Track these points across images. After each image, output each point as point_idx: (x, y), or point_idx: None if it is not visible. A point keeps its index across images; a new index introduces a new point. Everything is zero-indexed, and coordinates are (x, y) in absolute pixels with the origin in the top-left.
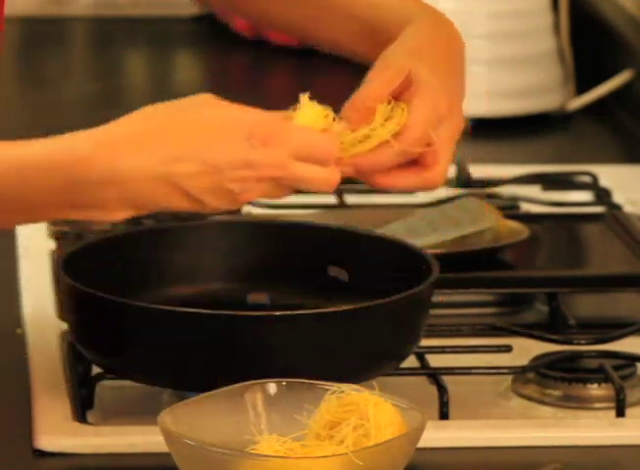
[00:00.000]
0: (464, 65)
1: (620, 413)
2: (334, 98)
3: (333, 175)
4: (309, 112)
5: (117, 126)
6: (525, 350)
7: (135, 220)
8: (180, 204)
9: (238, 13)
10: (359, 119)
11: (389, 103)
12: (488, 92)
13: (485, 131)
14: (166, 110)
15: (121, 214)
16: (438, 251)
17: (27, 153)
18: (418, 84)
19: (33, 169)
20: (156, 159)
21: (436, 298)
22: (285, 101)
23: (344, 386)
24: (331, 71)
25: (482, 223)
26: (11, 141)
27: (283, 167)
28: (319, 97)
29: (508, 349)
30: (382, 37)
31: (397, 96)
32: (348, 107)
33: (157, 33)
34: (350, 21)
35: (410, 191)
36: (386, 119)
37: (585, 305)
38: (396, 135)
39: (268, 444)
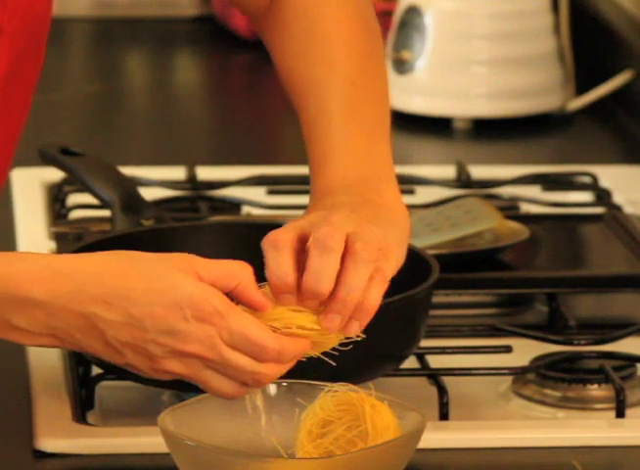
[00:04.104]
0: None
1: (620, 414)
2: None
3: (266, 373)
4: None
5: (77, 258)
6: (526, 350)
7: (135, 221)
8: (97, 347)
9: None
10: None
11: None
12: (488, 92)
13: (485, 131)
14: (129, 259)
15: (42, 340)
16: (438, 251)
17: None
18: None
19: None
20: (87, 297)
21: (436, 298)
22: (285, 102)
23: (341, 385)
24: None
25: (482, 224)
26: None
27: (211, 347)
28: None
29: (508, 349)
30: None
31: None
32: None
33: (157, 34)
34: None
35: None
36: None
37: (585, 306)
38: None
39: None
